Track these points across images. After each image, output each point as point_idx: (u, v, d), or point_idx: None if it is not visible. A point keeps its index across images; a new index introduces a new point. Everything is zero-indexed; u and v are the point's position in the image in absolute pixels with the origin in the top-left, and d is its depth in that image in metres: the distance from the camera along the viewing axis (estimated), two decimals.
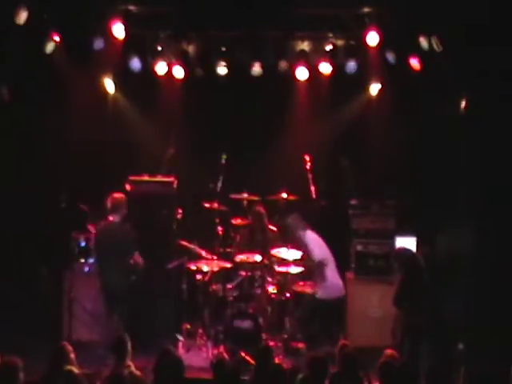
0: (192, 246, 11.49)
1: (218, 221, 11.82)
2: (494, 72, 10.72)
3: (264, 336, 10.81)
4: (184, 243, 11.52)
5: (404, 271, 10.04)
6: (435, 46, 11.12)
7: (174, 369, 7.42)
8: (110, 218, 10.59)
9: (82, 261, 11.66)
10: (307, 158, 11.92)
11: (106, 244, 10.48)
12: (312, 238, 11.33)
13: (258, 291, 11.27)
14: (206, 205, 11.81)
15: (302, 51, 12.16)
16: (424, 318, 9.80)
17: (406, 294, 9.88)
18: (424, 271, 10.01)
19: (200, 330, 11.30)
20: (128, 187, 11.86)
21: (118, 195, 10.74)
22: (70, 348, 8.05)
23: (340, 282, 11.26)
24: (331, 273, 11.20)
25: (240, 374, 7.66)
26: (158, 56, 12.22)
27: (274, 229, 11.98)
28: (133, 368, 8.12)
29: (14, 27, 10.78)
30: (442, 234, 11.72)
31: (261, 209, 11.93)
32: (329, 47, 12.06)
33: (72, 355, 8.00)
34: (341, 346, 8.51)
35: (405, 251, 10.48)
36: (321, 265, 11.10)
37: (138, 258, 10.37)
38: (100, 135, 12.24)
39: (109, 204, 10.60)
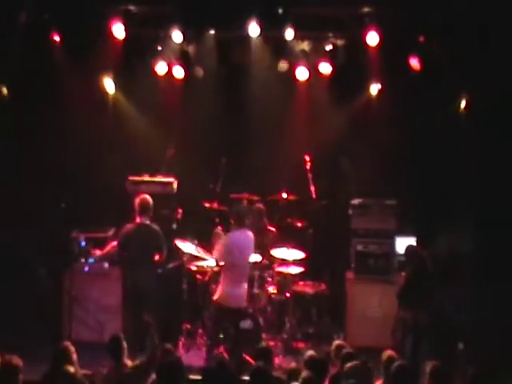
0: (187, 251, 11.45)
1: (217, 221, 11.83)
2: (494, 72, 10.72)
3: (264, 336, 10.81)
4: (179, 246, 11.51)
5: (411, 269, 10.05)
6: (435, 46, 11.12)
7: (175, 368, 7.42)
8: (138, 220, 10.41)
9: (82, 261, 11.66)
10: (307, 157, 11.93)
11: (138, 245, 10.32)
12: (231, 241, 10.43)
13: (258, 291, 11.26)
14: (206, 205, 11.81)
15: (302, 51, 12.16)
16: (427, 318, 9.81)
17: (410, 292, 9.89)
18: (430, 272, 10.02)
19: (200, 330, 11.29)
20: (128, 187, 11.87)
21: (145, 196, 10.51)
22: (72, 348, 8.03)
23: (236, 293, 10.32)
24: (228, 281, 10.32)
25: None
26: (158, 56, 12.23)
27: (273, 229, 11.97)
28: (131, 367, 8.11)
29: (14, 27, 10.79)
30: (442, 233, 11.72)
31: (260, 206, 11.90)
32: (329, 47, 12.06)
33: (74, 356, 7.99)
34: (337, 346, 8.51)
35: (415, 249, 10.46)
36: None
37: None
38: (100, 135, 12.24)
39: (137, 205, 10.39)
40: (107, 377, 7.96)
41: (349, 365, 7.57)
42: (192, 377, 8.92)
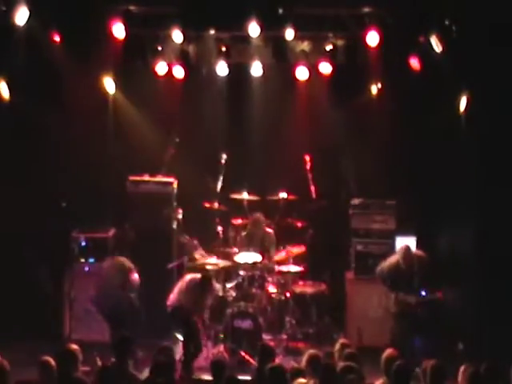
0: (191, 244, 11.49)
1: (218, 221, 11.84)
2: (494, 72, 10.72)
3: (264, 336, 10.81)
4: (184, 241, 11.55)
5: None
6: (435, 46, 11.13)
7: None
8: None
9: (82, 261, 11.67)
10: (307, 157, 11.93)
11: None
12: None
13: (258, 291, 11.27)
14: (206, 205, 11.82)
15: (302, 51, 12.16)
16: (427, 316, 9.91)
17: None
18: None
19: None
20: (128, 187, 11.89)
21: None
22: (78, 352, 7.89)
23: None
24: None
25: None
26: (158, 56, 12.24)
27: (271, 231, 11.94)
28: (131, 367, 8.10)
29: (14, 27, 10.79)
30: (442, 233, 11.73)
31: (260, 216, 11.87)
32: (329, 47, 12.06)
33: (80, 357, 7.88)
34: (341, 345, 8.50)
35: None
36: None
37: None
38: (100, 135, 12.24)
39: None
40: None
41: None
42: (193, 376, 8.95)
